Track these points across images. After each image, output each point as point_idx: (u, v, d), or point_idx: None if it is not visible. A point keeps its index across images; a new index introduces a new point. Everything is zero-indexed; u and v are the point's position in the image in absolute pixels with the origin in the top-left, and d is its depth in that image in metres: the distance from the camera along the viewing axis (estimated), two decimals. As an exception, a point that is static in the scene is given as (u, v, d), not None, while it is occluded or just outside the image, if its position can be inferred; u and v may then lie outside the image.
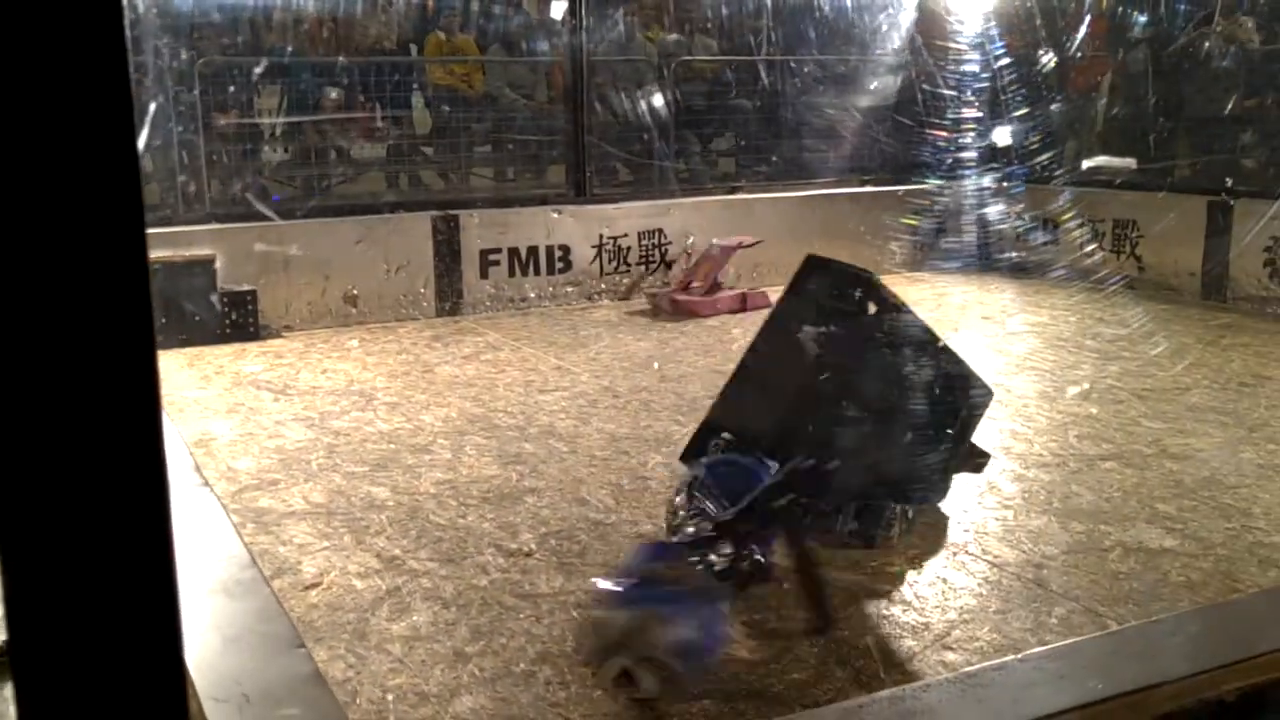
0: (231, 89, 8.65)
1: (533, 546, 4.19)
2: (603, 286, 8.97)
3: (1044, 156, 9.85)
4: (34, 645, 0.77)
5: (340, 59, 9.42)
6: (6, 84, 0.71)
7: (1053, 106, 10.06)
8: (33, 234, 0.74)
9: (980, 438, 5.53)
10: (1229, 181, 8.60)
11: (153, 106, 7.84)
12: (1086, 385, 6.40)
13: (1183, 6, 9.63)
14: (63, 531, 0.76)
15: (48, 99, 0.73)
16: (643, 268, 9.09)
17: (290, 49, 9.41)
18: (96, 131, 0.75)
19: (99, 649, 0.78)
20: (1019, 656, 1.77)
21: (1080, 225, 9.54)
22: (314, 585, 3.86)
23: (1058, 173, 9.95)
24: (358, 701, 3.13)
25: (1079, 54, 10.23)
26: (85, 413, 0.75)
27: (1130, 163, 9.48)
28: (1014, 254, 10.07)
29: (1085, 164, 9.72)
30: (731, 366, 6.85)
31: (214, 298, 7.45)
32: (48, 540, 0.76)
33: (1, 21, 0.69)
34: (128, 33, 0.80)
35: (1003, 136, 10.12)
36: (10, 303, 0.71)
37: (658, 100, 9.97)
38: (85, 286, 0.74)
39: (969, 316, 8.40)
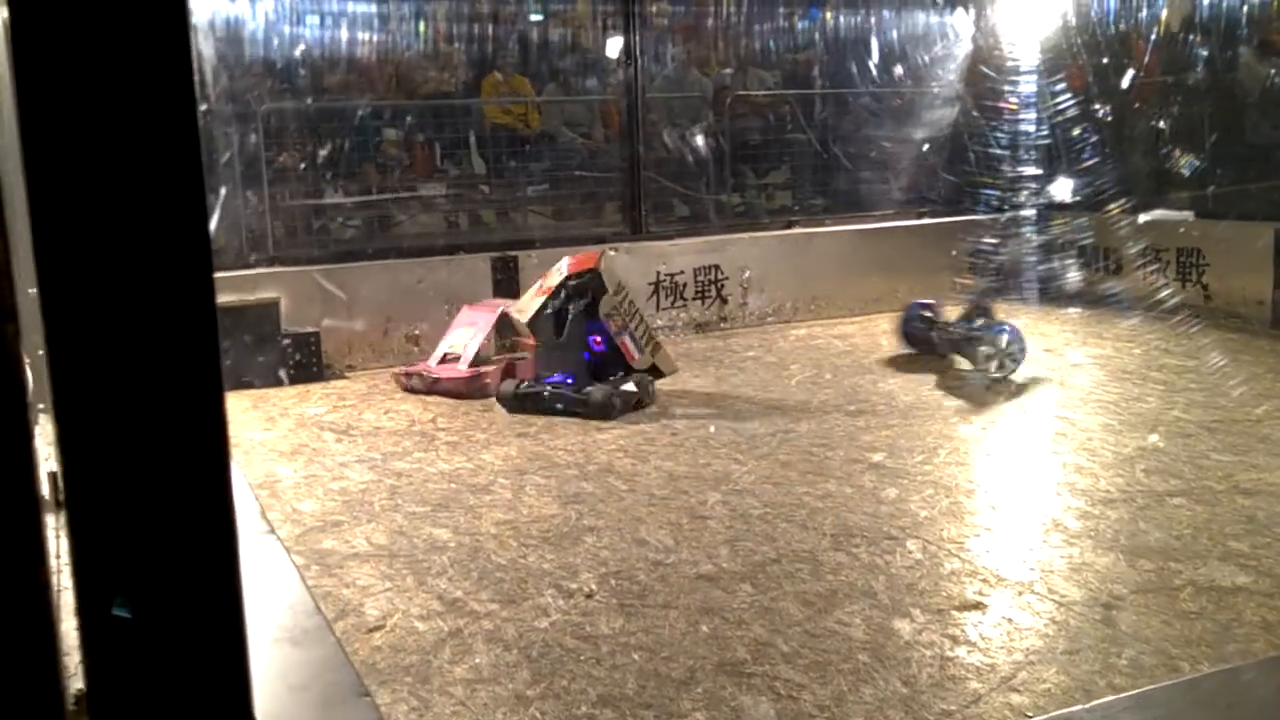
0: (292, 132, 8.81)
1: (593, 587, 4.18)
2: (659, 323, 8.96)
3: (1103, 187, 9.74)
4: (110, 695, 0.79)
5: (399, 102, 9.57)
6: (84, 133, 0.73)
7: (1119, 145, 9.96)
8: (105, 283, 0.76)
9: (1045, 474, 5.48)
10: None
11: (216, 151, 8.02)
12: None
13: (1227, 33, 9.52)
14: (140, 580, 0.77)
15: (121, 152, 0.75)
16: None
17: (350, 92, 9.56)
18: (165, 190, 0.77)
19: (172, 696, 0.80)
20: (1089, 706, 1.74)
21: (1144, 254, 9.41)
22: (377, 628, 3.88)
23: (1120, 203, 9.83)
24: (421, 746, 3.14)
25: (1133, 84, 10.13)
26: (157, 456, 0.77)
27: (1188, 215, 9.32)
28: (1076, 284, 9.95)
29: (1142, 218, 9.54)
30: (792, 400, 6.87)
31: (279, 340, 7.55)
32: (124, 589, 0.77)
33: (84, 73, 0.71)
34: (194, 78, 0.82)
35: (1062, 173, 10.04)
36: (81, 349, 0.73)
37: (712, 135, 10.02)
38: (157, 334, 0.76)
39: (1030, 348, 8.29)
